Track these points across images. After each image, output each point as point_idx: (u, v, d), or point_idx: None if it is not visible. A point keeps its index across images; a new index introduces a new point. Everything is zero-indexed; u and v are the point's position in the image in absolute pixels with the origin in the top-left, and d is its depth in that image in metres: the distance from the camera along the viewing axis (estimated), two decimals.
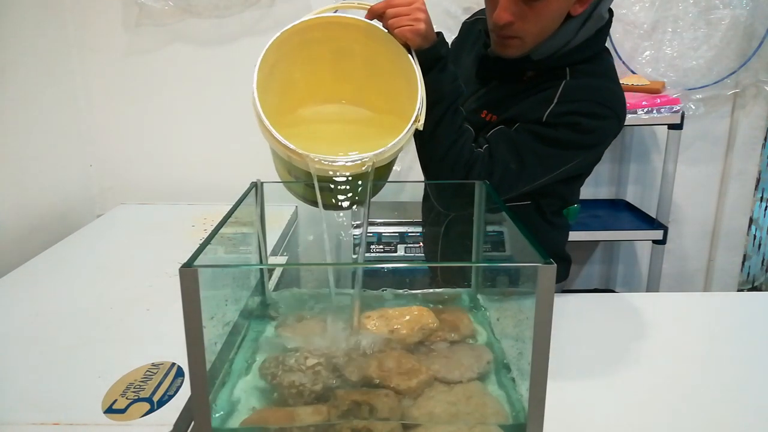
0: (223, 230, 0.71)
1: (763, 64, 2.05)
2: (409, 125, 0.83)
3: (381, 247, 1.87)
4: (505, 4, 0.97)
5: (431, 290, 0.92)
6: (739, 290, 2.37)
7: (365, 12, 0.93)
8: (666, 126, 1.93)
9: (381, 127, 0.91)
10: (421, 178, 1.06)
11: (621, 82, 1.92)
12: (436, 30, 0.95)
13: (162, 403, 0.85)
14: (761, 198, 2.32)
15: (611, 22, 1.07)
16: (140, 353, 0.97)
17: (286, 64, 0.89)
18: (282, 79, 0.90)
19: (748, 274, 2.43)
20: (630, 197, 2.24)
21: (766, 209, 2.37)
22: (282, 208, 1.80)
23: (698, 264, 2.33)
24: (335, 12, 0.91)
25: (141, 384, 0.89)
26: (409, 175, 2.04)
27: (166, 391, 0.87)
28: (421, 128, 0.85)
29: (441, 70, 0.95)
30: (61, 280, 1.30)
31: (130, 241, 1.58)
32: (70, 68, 1.97)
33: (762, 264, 2.44)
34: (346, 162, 0.79)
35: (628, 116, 1.83)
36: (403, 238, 1.88)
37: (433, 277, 1.01)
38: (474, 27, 1.23)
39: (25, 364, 0.96)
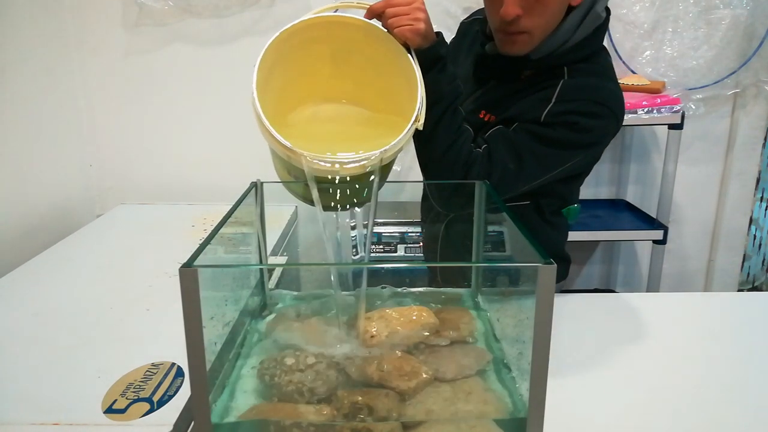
0: (223, 230, 0.71)
1: (764, 64, 2.05)
2: (410, 125, 0.83)
3: (381, 247, 1.87)
4: None
5: (431, 290, 0.92)
6: (739, 290, 2.37)
7: (364, 12, 0.93)
8: (666, 126, 1.93)
9: (381, 127, 0.91)
10: (421, 178, 1.06)
11: (621, 82, 1.93)
12: (435, 30, 0.95)
13: (162, 403, 0.85)
14: (761, 198, 2.32)
15: (608, 20, 1.07)
16: (140, 353, 0.97)
17: (286, 63, 0.89)
18: (281, 79, 0.90)
19: (748, 274, 2.43)
20: (630, 197, 2.24)
21: (766, 209, 2.37)
22: (282, 208, 1.80)
23: (698, 264, 2.33)
24: (335, 11, 0.91)
25: (141, 384, 0.89)
26: (409, 175, 2.04)
27: (166, 391, 0.87)
28: (421, 128, 0.85)
29: (440, 70, 0.95)
30: (60, 280, 1.30)
31: (130, 241, 1.58)
32: (70, 68, 1.97)
33: (762, 264, 2.44)
34: (347, 162, 0.79)
35: (629, 116, 1.84)
36: (403, 238, 1.88)
37: (433, 277, 1.01)
38: (471, 27, 1.23)
39: (25, 364, 0.96)
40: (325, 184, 0.80)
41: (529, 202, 1.13)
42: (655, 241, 1.99)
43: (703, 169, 2.21)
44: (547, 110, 1.00)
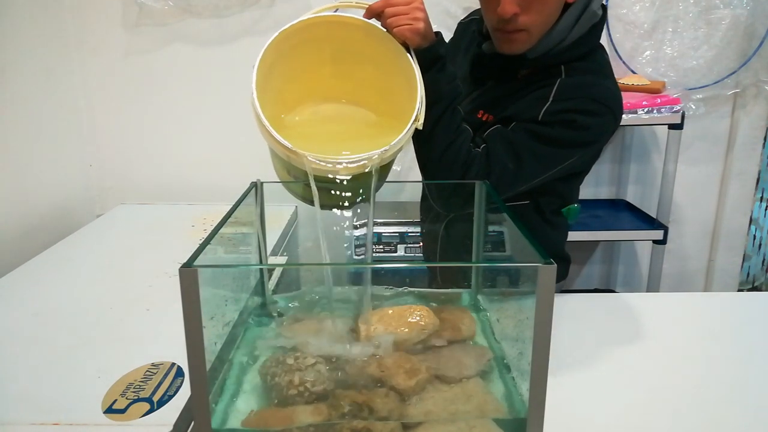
0: (223, 230, 0.71)
1: (764, 63, 2.05)
2: (409, 125, 0.83)
3: (381, 247, 1.87)
4: None
5: (431, 290, 0.92)
6: (739, 290, 2.37)
7: (364, 11, 0.93)
8: (666, 126, 1.93)
9: (380, 126, 0.91)
10: (421, 178, 1.06)
11: (621, 82, 1.94)
12: (435, 30, 0.95)
13: (162, 403, 0.85)
14: (761, 198, 2.32)
15: (605, 18, 1.07)
16: (140, 353, 0.97)
17: (285, 63, 0.89)
18: (281, 79, 0.90)
19: (748, 274, 2.43)
20: (630, 197, 2.24)
21: (766, 209, 2.37)
22: (282, 208, 1.80)
23: (698, 264, 2.33)
24: (335, 11, 0.91)
25: (141, 384, 0.89)
26: (409, 175, 2.04)
27: (166, 391, 0.87)
28: (421, 128, 0.85)
29: (439, 70, 0.95)
30: (60, 280, 1.30)
31: (130, 241, 1.58)
32: (70, 68, 1.97)
33: (762, 264, 2.44)
34: (347, 162, 0.79)
35: (629, 116, 1.84)
36: (403, 238, 1.88)
37: (433, 277, 1.01)
38: (469, 28, 1.23)
39: (25, 364, 0.96)
40: (324, 183, 0.80)
41: (528, 201, 1.13)
42: (655, 241, 1.99)
43: (703, 169, 2.21)
44: (544, 109, 1.00)
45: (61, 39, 1.93)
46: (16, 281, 1.30)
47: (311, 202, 0.82)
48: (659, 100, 1.86)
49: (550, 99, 1.00)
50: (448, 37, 1.31)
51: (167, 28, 2.01)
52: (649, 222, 2.02)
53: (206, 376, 0.61)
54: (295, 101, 0.95)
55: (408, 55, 0.90)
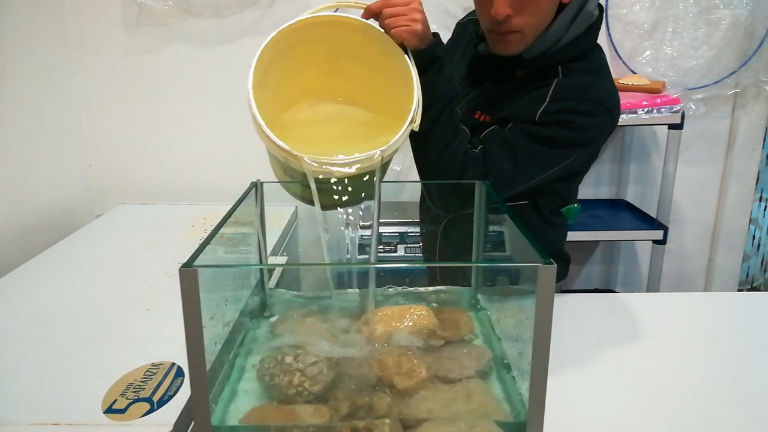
0: (223, 230, 0.71)
1: (764, 63, 2.05)
2: (405, 126, 0.83)
3: (381, 247, 1.87)
4: None
5: (431, 290, 0.92)
6: (739, 290, 2.37)
7: (362, 12, 0.93)
8: (666, 126, 1.93)
9: (377, 127, 0.91)
10: (419, 178, 1.06)
11: (621, 82, 1.94)
12: (435, 30, 0.95)
13: (162, 403, 0.85)
14: (760, 198, 2.32)
15: (602, 18, 1.07)
16: (140, 353, 0.97)
17: (283, 63, 0.89)
18: (278, 78, 0.90)
19: (747, 274, 2.43)
20: (630, 197, 2.24)
21: (765, 209, 2.38)
22: (282, 208, 1.80)
23: (698, 264, 2.33)
24: (336, 11, 0.91)
25: (141, 384, 0.89)
26: (409, 175, 2.04)
27: (166, 391, 0.87)
28: (417, 129, 0.85)
29: (437, 71, 0.95)
30: (60, 280, 1.30)
31: (130, 241, 1.58)
32: (70, 68, 1.97)
33: (761, 264, 2.44)
34: (342, 164, 0.79)
35: (629, 116, 1.84)
36: (403, 238, 1.88)
37: (433, 277, 1.01)
38: (467, 28, 1.23)
39: (25, 364, 0.96)
40: (321, 184, 0.80)
41: (527, 201, 1.13)
42: (655, 241, 1.99)
43: (703, 169, 2.21)
44: (541, 109, 1.00)
45: (61, 39, 1.93)
46: (16, 281, 1.30)
47: (310, 202, 0.82)
48: (659, 100, 1.86)
49: (547, 99, 1.00)
50: (447, 37, 1.31)
51: (167, 28, 2.01)
52: (649, 222, 2.02)
53: (206, 376, 0.61)
54: (292, 101, 0.95)
55: (405, 56, 0.90)
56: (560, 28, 1.02)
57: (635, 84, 1.95)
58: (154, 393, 0.87)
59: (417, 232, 1.86)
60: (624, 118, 1.83)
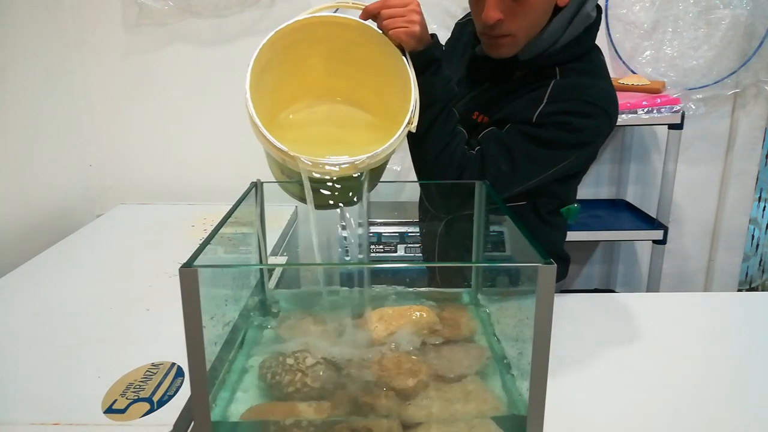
0: (223, 230, 0.71)
1: (764, 64, 2.05)
2: (402, 127, 0.83)
3: (381, 247, 1.87)
4: (493, 2, 0.96)
5: (432, 290, 0.92)
6: (739, 290, 2.37)
7: (360, 12, 0.93)
8: (666, 126, 1.93)
9: (374, 128, 0.91)
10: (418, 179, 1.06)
11: (621, 82, 1.94)
12: (435, 30, 0.95)
13: (162, 403, 0.85)
14: (759, 198, 2.32)
15: (600, 18, 1.06)
16: (140, 353, 0.97)
17: (281, 62, 0.89)
18: (276, 78, 0.90)
19: (747, 274, 2.44)
20: (630, 197, 2.24)
21: (764, 209, 2.38)
22: (282, 208, 1.80)
23: (698, 264, 2.33)
24: (335, 11, 0.91)
25: (141, 384, 0.89)
26: (409, 175, 2.03)
27: (166, 391, 0.87)
28: (414, 131, 0.85)
29: (434, 73, 0.95)
30: (60, 280, 1.30)
31: (130, 241, 1.58)
32: (70, 68, 1.97)
33: (759, 265, 2.44)
34: (338, 165, 0.79)
35: (629, 116, 1.84)
36: (403, 238, 1.88)
37: (432, 277, 1.01)
38: (466, 28, 1.23)
39: (25, 364, 0.96)
40: (317, 184, 0.80)
41: (525, 202, 1.12)
42: (655, 241, 1.99)
43: (703, 169, 2.21)
44: (539, 111, 1.00)
45: (61, 39, 1.93)
46: (16, 281, 1.30)
47: (306, 201, 0.83)
48: (659, 100, 1.86)
49: (544, 101, 1.00)
50: (446, 37, 1.31)
51: (167, 28, 2.01)
52: (649, 222, 2.02)
53: (206, 376, 0.61)
54: (290, 100, 0.95)
55: (403, 57, 0.90)
56: (557, 30, 1.01)
57: (635, 84, 1.95)
58: (154, 393, 0.87)
59: (417, 232, 1.86)
60: (624, 118, 1.83)
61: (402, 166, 2.02)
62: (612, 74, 1.10)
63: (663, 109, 1.85)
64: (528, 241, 0.64)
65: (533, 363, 0.60)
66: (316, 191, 0.81)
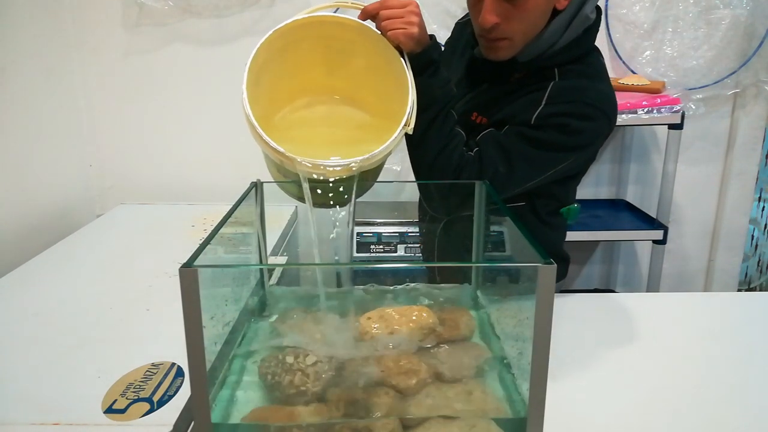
0: (223, 230, 0.71)
1: (764, 64, 2.05)
2: (399, 129, 0.83)
3: (381, 247, 1.87)
4: (489, 6, 0.96)
5: (432, 290, 0.92)
6: (739, 290, 2.37)
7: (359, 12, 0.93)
8: (666, 126, 1.93)
9: (372, 128, 0.91)
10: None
11: (621, 82, 1.94)
12: (434, 30, 0.95)
13: (162, 403, 0.85)
14: (759, 198, 2.32)
15: (599, 20, 1.06)
16: (140, 353, 0.97)
17: (279, 61, 0.89)
18: (274, 76, 0.90)
19: (746, 274, 2.43)
20: (630, 197, 2.24)
21: (763, 210, 2.38)
22: (282, 208, 1.80)
23: (698, 264, 2.33)
24: (335, 11, 0.91)
25: (141, 384, 0.89)
26: (409, 175, 2.02)
27: (166, 391, 0.87)
28: (411, 132, 0.85)
29: (432, 75, 0.95)
30: (60, 280, 1.30)
31: (130, 241, 1.58)
32: (70, 68, 1.97)
33: (758, 265, 2.44)
34: (334, 166, 0.79)
35: (629, 116, 1.84)
36: (403, 238, 1.88)
37: (432, 277, 1.01)
38: (465, 28, 1.23)
39: (25, 364, 0.96)
40: (315, 183, 0.81)
41: (524, 203, 1.12)
42: (655, 241, 1.99)
43: (703, 169, 2.21)
44: (537, 113, 0.99)
45: (61, 39, 1.93)
46: (16, 281, 1.30)
47: (304, 201, 0.83)
48: (659, 100, 1.86)
49: (543, 102, 1.00)
50: (446, 37, 1.31)
51: (167, 28, 2.01)
52: (649, 222, 2.02)
53: (206, 376, 0.61)
54: (288, 100, 0.95)
55: (401, 58, 0.90)
56: (555, 33, 1.01)
57: (635, 84, 1.95)
58: (154, 393, 0.87)
59: (417, 232, 1.86)
60: (624, 118, 1.83)
61: (402, 166, 2.02)
62: (612, 74, 1.10)
63: (663, 109, 1.85)
64: (528, 241, 0.64)
65: (533, 363, 0.60)
66: (312, 190, 0.81)
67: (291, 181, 0.87)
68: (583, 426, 0.88)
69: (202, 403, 0.62)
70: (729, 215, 2.24)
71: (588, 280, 2.39)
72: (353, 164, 0.79)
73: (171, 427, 0.81)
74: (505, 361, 0.77)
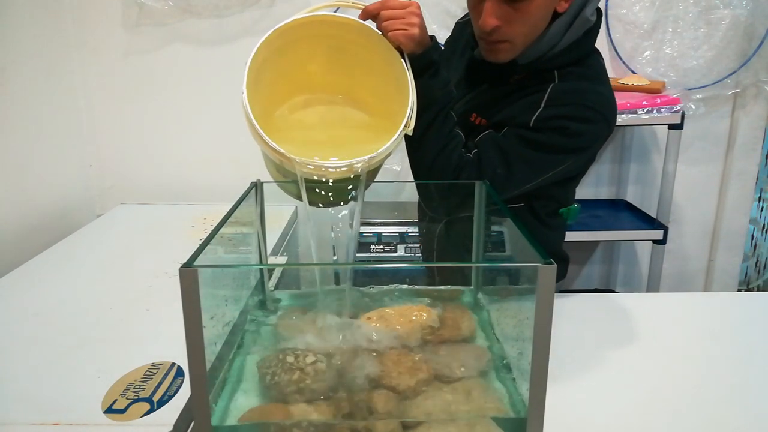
0: (223, 230, 0.71)
1: (764, 64, 2.05)
2: (399, 130, 0.83)
3: (381, 247, 1.87)
4: (490, 9, 0.96)
5: (432, 289, 0.92)
6: (738, 290, 2.37)
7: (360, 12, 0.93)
8: (666, 126, 1.93)
9: (372, 129, 0.91)
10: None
11: (621, 82, 1.94)
12: (434, 30, 0.95)
13: (162, 403, 0.85)
14: (759, 198, 2.32)
15: (600, 22, 1.06)
16: (140, 353, 0.97)
17: (279, 59, 0.89)
18: (274, 74, 0.90)
19: (745, 275, 2.44)
20: (630, 197, 2.24)
21: (763, 210, 2.38)
22: (282, 208, 1.80)
23: (698, 264, 2.33)
24: (335, 11, 0.91)
25: (141, 384, 0.89)
26: (409, 175, 2.02)
27: (166, 391, 0.87)
28: (411, 133, 0.85)
29: (432, 76, 0.95)
30: (60, 280, 1.30)
31: (130, 241, 1.58)
32: (70, 68, 1.97)
33: (755, 266, 2.44)
34: (334, 168, 0.79)
35: (629, 116, 1.84)
36: (403, 238, 1.88)
37: (432, 278, 1.01)
38: (466, 28, 1.23)
39: (25, 364, 0.96)
40: (313, 184, 0.81)
41: (523, 204, 1.12)
42: (655, 241, 1.99)
43: (703, 169, 2.21)
44: (536, 115, 0.99)
45: (61, 39, 1.93)
46: (16, 281, 1.30)
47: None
48: (659, 100, 1.86)
49: (542, 105, 1.00)
50: (446, 37, 1.31)
51: (167, 28, 2.01)
52: (649, 222, 2.02)
53: (206, 376, 0.61)
54: (287, 99, 0.95)
55: (402, 59, 0.89)
56: (555, 35, 1.01)
57: (635, 84, 1.95)
58: (154, 393, 0.87)
59: (417, 232, 1.86)
60: (624, 118, 1.83)
61: (402, 166, 2.02)
62: (612, 74, 1.10)
63: (663, 109, 1.85)
64: (528, 241, 0.64)
65: (533, 363, 0.60)
66: (311, 190, 0.81)
67: (291, 181, 0.87)
68: (583, 426, 0.88)
69: (202, 403, 0.62)
70: (729, 215, 2.24)
71: (588, 280, 2.39)
72: (353, 165, 0.79)
73: (171, 427, 0.81)
74: (505, 362, 0.77)
